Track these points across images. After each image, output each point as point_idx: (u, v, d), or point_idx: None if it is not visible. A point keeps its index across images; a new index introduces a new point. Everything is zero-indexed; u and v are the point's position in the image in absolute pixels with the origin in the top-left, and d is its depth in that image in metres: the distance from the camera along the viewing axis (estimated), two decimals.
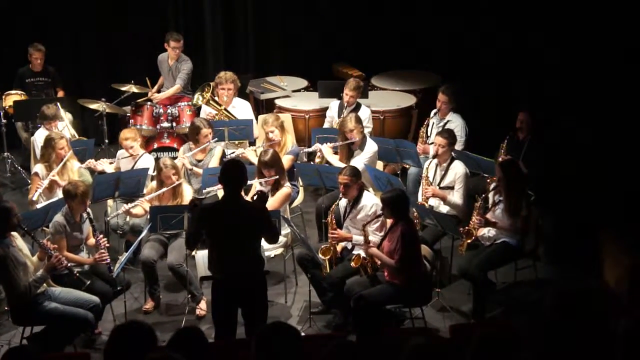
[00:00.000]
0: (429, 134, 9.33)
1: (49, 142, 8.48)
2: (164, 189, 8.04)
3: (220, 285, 6.59)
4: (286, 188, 8.12)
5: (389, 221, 7.39)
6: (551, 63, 10.28)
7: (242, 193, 7.93)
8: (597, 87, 9.65)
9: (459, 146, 8.89)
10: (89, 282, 7.13)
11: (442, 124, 9.25)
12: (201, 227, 6.54)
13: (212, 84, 9.91)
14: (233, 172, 6.50)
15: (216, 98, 9.85)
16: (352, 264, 7.41)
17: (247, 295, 6.53)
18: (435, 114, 9.42)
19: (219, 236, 6.48)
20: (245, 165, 6.79)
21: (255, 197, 6.70)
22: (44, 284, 6.93)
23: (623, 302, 7.63)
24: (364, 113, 9.54)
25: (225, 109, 9.79)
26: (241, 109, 9.95)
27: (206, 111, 9.88)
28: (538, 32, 10.47)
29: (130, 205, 8.10)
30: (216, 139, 9.03)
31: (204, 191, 8.48)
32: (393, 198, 7.20)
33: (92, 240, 7.57)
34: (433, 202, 8.35)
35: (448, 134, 8.45)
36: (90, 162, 8.81)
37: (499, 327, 6.44)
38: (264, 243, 6.90)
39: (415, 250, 7.20)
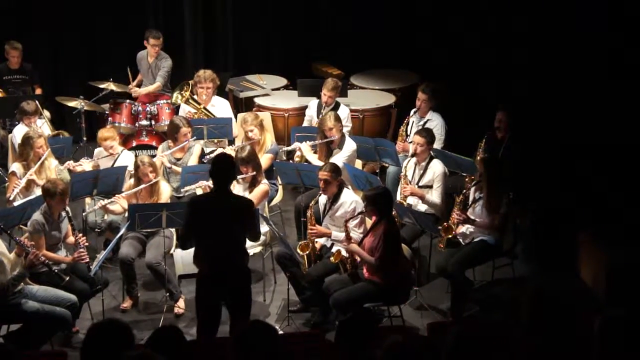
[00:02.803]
0: (408, 133, 9.36)
1: (27, 141, 8.42)
2: (141, 187, 8.02)
3: (206, 279, 6.61)
4: (263, 185, 8.13)
5: (370, 219, 7.42)
6: (530, 61, 10.34)
7: None
8: (574, 86, 9.71)
9: (438, 145, 8.93)
10: (68, 278, 7.11)
11: (421, 122, 9.29)
12: (190, 220, 6.56)
13: (191, 82, 9.90)
14: (223, 166, 6.59)
15: (195, 97, 9.83)
16: (332, 259, 7.43)
17: (233, 288, 6.58)
18: (415, 112, 9.45)
19: (207, 229, 6.51)
20: (234, 162, 6.86)
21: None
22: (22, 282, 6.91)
23: (600, 300, 7.70)
24: (343, 112, 9.55)
25: (204, 108, 9.77)
26: (220, 107, 9.94)
27: (185, 110, 9.86)
28: (519, 28, 10.53)
29: (106, 201, 8.07)
30: (195, 137, 9.02)
31: (182, 190, 8.47)
32: (377, 196, 7.24)
33: (71, 239, 7.54)
34: (411, 200, 8.39)
35: (427, 133, 8.48)
36: (69, 164, 8.76)
37: (476, 325, 6.47)
38: None
39: (396, 249, 7.23)
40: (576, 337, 4.65)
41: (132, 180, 8.24)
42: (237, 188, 8.19)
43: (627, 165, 8.92)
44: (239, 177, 8.10)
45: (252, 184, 8.09)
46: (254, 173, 8.06)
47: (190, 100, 9.79)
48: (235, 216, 6.52)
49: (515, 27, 10.57)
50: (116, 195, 8.11)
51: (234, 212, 6.52)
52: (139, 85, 10.86)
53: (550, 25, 10.09)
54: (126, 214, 7.85)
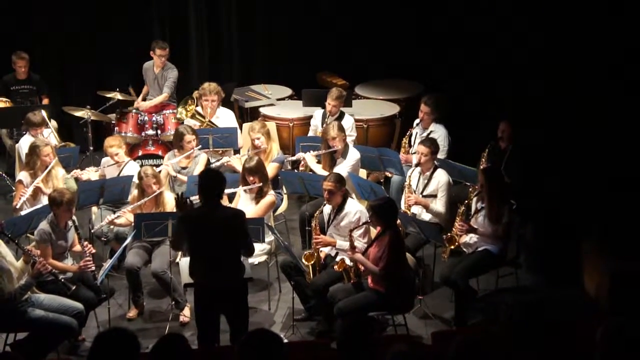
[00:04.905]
0: (411, 144, 9.39)
1: (33, 150, 8.48)
2: (145, 199, 8.06)
3: (201, 291, 6.67)
4: (270, 196, 8.17)
5: (375, 229, 7.46)
6: (532, 70, 10.37)
7: (227, 201, 8.04)
8: (576, 94, 9.73)
9: (441, 155, 8.94)
10: (74, 288, 7.14)
11: (425, 134, 9.30)
12: (182, 234, 6.65)
13: (195, 96, 9.94)
14: (209, 182, 6.62)
15: (199, 108, 9.87)
16: (336, 267, 7.47)
17: (227, 300, 6.63)
18: (417, 124, 9.49)
19: (199, 243, 6.57)
20: (224, 174, 6.92)
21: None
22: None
23: (603, 310, 7.71)
24: (347, 122, 9.59)
25: (209, 121, 9.81)
26: (225, 118, 9.98)
27: (190, 123, 9.88)
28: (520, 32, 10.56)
29: (113, 216, 8.13)
30: (200, 146, 9.06)
31: (188, 199, 8.50)
32: (382, 206, 7.26)
33: (77, 247, 7.59)
34: (416, 209, 8.42)
35: (431, 143, 8.51)
36: (76, 172, 8.82)
37: (479, 334, 6.49)
38: None
39: (401, 259, 7.26)
40: (575, 346, 4.69)
41: (136, 192, 8.28)
42: (243, 198, 8.24)
43: (630, 174, 8.94)
44: (245, 187, 8.15)
45: (259, 194, 8.13)
46: (261, 184, 8.10)
47: (196, 115, 9.84)
48: (226, 228, 6.55)
49: (517, 31, 10.59)
50: (122, 209, 8.16)
51: (224, 224, 6.55)
52: (144, 98, 10.89)
53: (555, 33, 10.10)
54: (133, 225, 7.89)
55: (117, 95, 10.62)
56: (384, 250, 7.11)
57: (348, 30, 11.83)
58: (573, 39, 9.74)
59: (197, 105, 9.91)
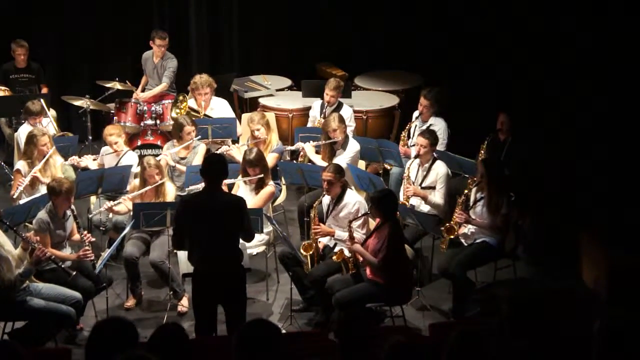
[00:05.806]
0: (411, 136, 9.38)
1: (31, 139, 8.47)
2: (147, 188, 8.05)
3: (200, 278, 6.67)
4: (270, 187, 8.17)
5: (374, 220, 7.46)
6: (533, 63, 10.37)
7: (226, 189, 8.05)
8: (579, 87, 9.74)
9: (440, 148, 8.95)
10: (74, 273, 7.14)
11: (424, 127, 9.28)
12: (182, 220, 6.62)
13: (187, 94, 9.91)
14: (214, 166, 6.61)
15: (192, 102, 9.83)
16: (334, 257, 7.48)
17: (226, 288, 6.63)
18: (417, 117, 9.47)
19: (199, 228, 6.56)
20: (227, 161, 6.89)
21: None
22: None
23: (601, 302, 7.72)
24: (346, 112, 9.59)
25: (205, 115, 9.79)
26: (219, 109, 9.97)
27: None
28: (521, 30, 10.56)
29: (112, 202, 8.13)
30: (199, 136, 9.06)
31: (186, 189, 8.51)
32: (382, 198, 7.27)
33: (76, 237, 7.58)
34: (414, 201, 8.42)
35: (430, 135, 8.51)
36: (74, 159, 8.82)
37: (477, 325, 6.50)
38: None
39: (400, 250, 7.27)
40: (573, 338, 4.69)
41: (136, 181, 8.28)
42: (243, 189, 8.24)
43: (628, 164, 8.95)
44: (245, 178, 8.15)
45: (259, 185, 8.13)
46: (261, 175, 8.10)
47: (191, 112, 9.81)
48: (226, 214, 6.54)
49: (516, 31, 10.59)
50: (122, 197, 8.15)
51: (225, 210, 6.54)
52: (143, 88, 10.86)
53: (554, 33, 10.11)
54: (131, 214, 7.89)
55: (116, 85, 10.61)
56: (383, 242, 7.11)
57: (347, 20, 11.80)
58: (572, 38, 9.76)
59: (190, 98, 9.89)
